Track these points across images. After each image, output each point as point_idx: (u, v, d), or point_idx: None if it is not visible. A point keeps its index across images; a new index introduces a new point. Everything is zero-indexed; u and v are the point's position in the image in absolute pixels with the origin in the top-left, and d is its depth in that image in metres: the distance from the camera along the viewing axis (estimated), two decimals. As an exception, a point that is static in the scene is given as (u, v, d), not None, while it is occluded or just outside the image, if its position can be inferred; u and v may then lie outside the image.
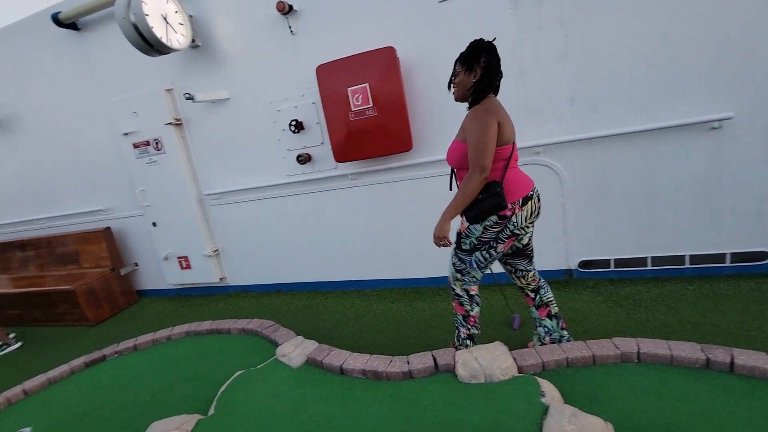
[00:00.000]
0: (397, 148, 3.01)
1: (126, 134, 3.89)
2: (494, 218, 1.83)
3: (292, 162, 3.52)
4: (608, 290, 2.87)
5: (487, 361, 1.88)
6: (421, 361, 2.00)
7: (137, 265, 4.54)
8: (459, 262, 2.02)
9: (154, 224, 4.13)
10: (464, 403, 1.73)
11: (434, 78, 2.94)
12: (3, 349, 3.83)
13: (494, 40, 1.88)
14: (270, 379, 2.18)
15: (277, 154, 3.55)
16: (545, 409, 1.61)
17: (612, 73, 2.64)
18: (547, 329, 2.17)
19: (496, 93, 1.89)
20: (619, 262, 2.97)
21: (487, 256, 1.95)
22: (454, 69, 1.89)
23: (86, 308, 3.97)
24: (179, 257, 4.15)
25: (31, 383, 2.75)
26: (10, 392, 2.68)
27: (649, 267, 2.91)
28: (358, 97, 2.96)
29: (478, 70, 1.80)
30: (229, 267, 4.15)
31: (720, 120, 2.49)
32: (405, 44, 2.91)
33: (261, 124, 3.52)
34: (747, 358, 1.73)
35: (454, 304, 2.17)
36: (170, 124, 3.71)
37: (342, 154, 3.17)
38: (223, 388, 2.19)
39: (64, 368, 2.88)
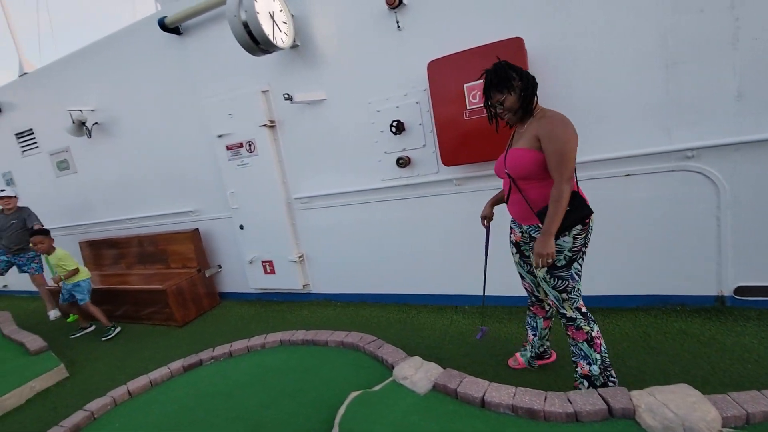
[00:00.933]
0: (517, 150, 2.70)
1: (220, 136, 3.90)
2: (579, 226, 1.81)
3: (388, 165, 3.32)
4: (782, 324, 2.37)
5: (683, 410, 1.51)
6: (587, 401, 1.66)
7: (221, 268, 4.54)
8: (560, 282, 1.89)
9: (242, 227, 4.09)
10: (667, 463, 1.38)
11: (562, 73, 2.63)
12: (110, 333, 4.00)
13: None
14: (395, 406, 1.93)
15: (373, 157, 3.37)
16: (797, 487, 1.22)
17: (798, 61, 2.19)
18: (541, 336, 2.32)
19: None
20: (793, 291, 2.46)
21: (581, 262, 1.92)
22: (492, 101, 1.87)
23: (175, 308, 3.99)
24: (264, 261, 4.08)
25: (134, 384, 2.71)
26: (115, 392, 2.65)
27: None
28: (476, 95, 2.70)
29: (518, 83, 1.79)
30: (313, 274, 4.02)
31: None
32: (530, 36, 2.62)
33: (357, 125, 3.37)
34: None
35: (570, 333, 1.95)
36: (264, 126, 3.66)
37: (451, 157, 2.91)
38: (342, 412, 1.97)
39: (164, 371, 2.82)
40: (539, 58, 2.64)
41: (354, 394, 2.10)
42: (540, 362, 2.41)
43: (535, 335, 2.33)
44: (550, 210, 1.74)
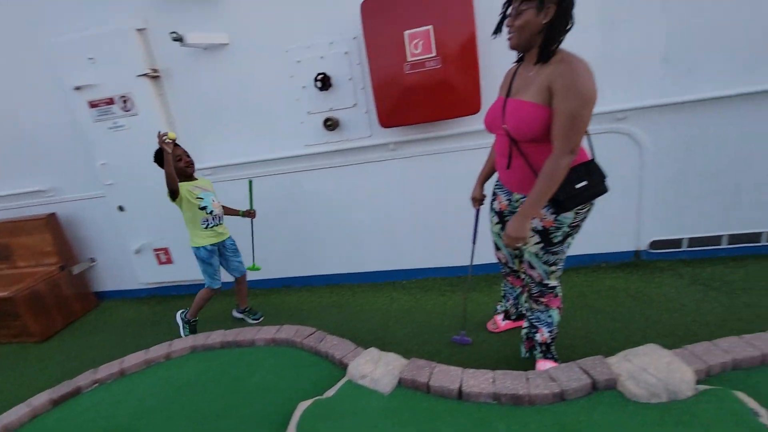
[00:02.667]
0: (462, 110, 2.47)
1: (78, 88, 2.91)
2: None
3: (313, 128, 2.84)
4: (688, 272, 2.63)
5: (662, 373, 1.48)
6: (570, 377, 1.55)
7: (94, 261, 3.58)
8: (552, 257, 1.70)
9: (121, 208, 3.21)
10: (662, 433, 1.32)
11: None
12: None
13: None
14: (359, 413, 1.61)
15: (294, 117, 2.85)
16: (779, 436, 1.25)
17: (714, 28, 2.31)
18: (518, 302, 2.25)
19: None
20: (693, 241, 2.74)
21: (576, 235, 1.70)
22: (510, 4, 1.46)
23: (30, 320, 3.01)
24: (157, 250, 3.30)
25: (-30, 439, 1.90)
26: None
27: (725, 245, 2.71)
28: (418, 44, 2.36)
29: (552, 6, 1.36)
30: (224, 259, 3.39)
31: (828, 83, 2.28)
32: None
33: (273, 78, 2.79)
34: None
35: (545, 300, 1.84)
36: (145, 75, 2.82)
37: (390, 118, 2.57)
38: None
39: (21, 410, 2.05)
40: (486, 2, 2.38)
41: (303, 405, 1.71)
42: (513, 324, 2.33)
43: (514, 300, 2.26)
44: (538, 187, 1.45)
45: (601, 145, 2.52)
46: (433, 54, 2.35)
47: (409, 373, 1.71)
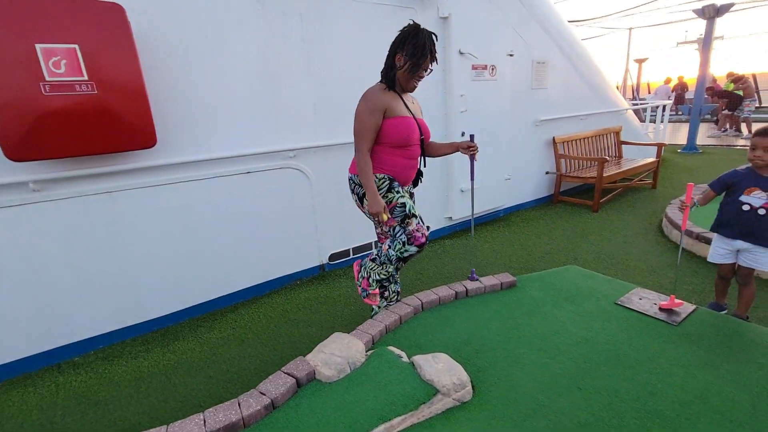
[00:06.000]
0: (132, 143, 2.22)
1: None
2: None
3: None
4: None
5: (345, 351, 1.84)
6: (277, 383, 1.66)
7: None
8: None
9: None
10: (350, 398, 1.63)
11: (180, 59, 2.43)
12: None
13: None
14: None
15: None
16: (412, 365, 1.82)
17: (342, 92, 3.17)
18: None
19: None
20: (355, 250, 3.58)
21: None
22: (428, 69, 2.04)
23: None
24: None
25: None
26: None
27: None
28: (59, 63, 1.95)
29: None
30: None
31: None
32: (134, 6, 2.19)
33: None
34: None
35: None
36: None
37: (22, 149, 1.96)
38: None
39: None
40: (152, 36, 2.28)
41: None
42: None
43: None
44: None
45: (279, 178, 2.95)
46: (85, 78, 2.02)
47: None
